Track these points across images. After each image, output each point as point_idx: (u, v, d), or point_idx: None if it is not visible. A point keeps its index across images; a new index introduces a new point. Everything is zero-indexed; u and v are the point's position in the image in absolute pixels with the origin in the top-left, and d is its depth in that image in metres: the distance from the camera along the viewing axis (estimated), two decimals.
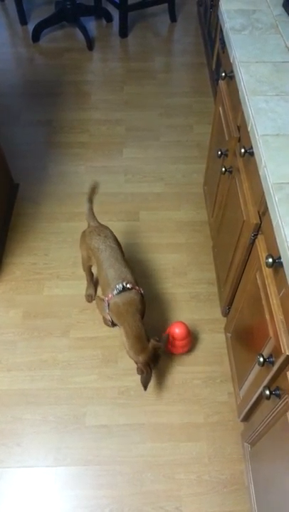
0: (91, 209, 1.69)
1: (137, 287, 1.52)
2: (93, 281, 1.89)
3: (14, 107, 2.73)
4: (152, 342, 1.45)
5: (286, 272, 0.86)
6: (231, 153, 1.41)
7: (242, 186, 1.31)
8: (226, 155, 1.49)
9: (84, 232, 1.68)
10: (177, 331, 1.64)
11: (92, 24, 3.35)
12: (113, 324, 1.69)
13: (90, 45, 3.11)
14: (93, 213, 1.69)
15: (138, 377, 1.68)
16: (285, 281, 0.96)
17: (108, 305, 1.51)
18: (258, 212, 1.21)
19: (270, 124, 1.06)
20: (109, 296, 1.50)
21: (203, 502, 1.44)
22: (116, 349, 1.77)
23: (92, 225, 1.66)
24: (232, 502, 1.44)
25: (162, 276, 1.97)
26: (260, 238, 1.17)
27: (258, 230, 1.20)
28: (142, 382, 1.46)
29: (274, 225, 0.92)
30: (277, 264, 0.98)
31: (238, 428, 1.55)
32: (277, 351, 1.01)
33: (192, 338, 1.72)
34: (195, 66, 3.02)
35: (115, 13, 3.27)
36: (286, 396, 0.98)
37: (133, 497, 1.45)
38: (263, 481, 1.23)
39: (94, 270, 1.77)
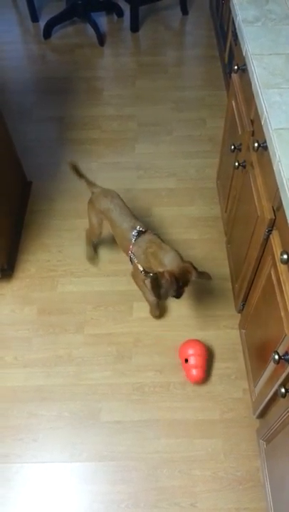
0: (87, 179, 1.76)
1: (149, 230, 1.60)
2: (94, 246, 1.97)
3: (26, 103, 2.74)
4: (188, 264, 1.44)
5: None
6: (245, 147, 1.39)
7: (256, 181, 1.29)
8: (240, 149, 1.47)
9: (90, 199, 1.76)
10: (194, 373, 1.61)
11: (103, 19, 3.33)
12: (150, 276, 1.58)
13: (102, 40, 3.09)
14: (91, 181, 1.76)
15: (152, 373, 1.69)
16: None
17: (133, 253, 1.57)
18: (273, 208, 1.19)
19: (284, 117, 1.04)
20: (131, 247, 1.57)
21: (219, 498, 1.43)
22: (130, 345, 1.77)
23: (95, 191, 1.73)
24: (247, 499, 1.43)
25: None
26: (274, 234, 1.15)
27: (272, 225, 1.18)
28: (161, 293, 1.41)
29: (287, 215, 0.90)
30: None
31: (253, 425, 1.54)
32: None
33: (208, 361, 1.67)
34: (207, 59, 2.98)
35: (126, 8, 3.24)
36: None
37: (148, 493, 1.45)
38: (278, 478, 1.22)
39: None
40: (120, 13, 3.31)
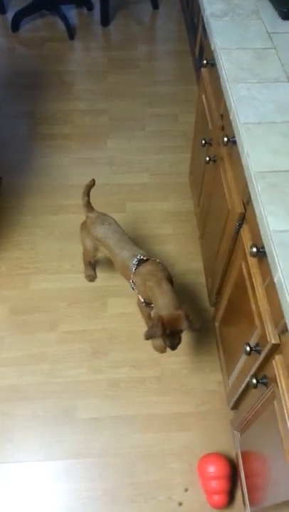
0: (88, 201, 1.67)
1: (153, 258, 1.52)
2: (92, 265, 1.90)
3: None
4: (180, 312, 1.35)
5: (269, 261, 0.86)
6: (215, 142, 1.40)
7: (226, 175, 1.31)
8: (210, 144, 1.48)
9: (84, 224, 1.68)
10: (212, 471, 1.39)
11: (72, 13, 3.28)
12: (148, 306, 1.54)
13: (71, 34, 3.04)
14: (90, 205, 1.67)
15: (127, 369, 1.69)
16: (268, 270, 0.95)
17: (134, 283, 1.51)
18: (243, 202, 1.20)
19: (251, 112, 1.05)
20: (131, 276, 1.50)
21: (196, 491, 1.45)
22: (105, 342, 1.76)
23: (91, 216, 1.65)
24: None
25: None
26: (244, 227, 1.16)
27: (242, 219, 1.19)
28: (146, 332, 1.36)
29: (257, 215, 0.91)
30: (261, 254, 0.98)
31: (228, 416, 1.56)
32: (263, 340, 1.01)
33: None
34: (179, 54, 2.98)
35: (96, 1, 3.20)
36: (273, 385, 0.98)
37: (125, 488, 1.45)
38: (252, 468, 1.24)
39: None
40: (90, 7, 3.26)
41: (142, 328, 1.79)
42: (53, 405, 1.61)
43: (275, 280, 0.83)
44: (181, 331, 1.38)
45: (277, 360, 0.96)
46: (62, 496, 1.45)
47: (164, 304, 1.38)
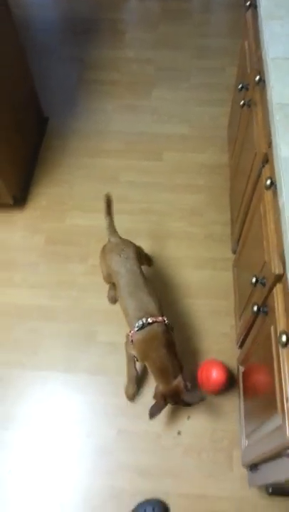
0: (111, 223, 1.55)
1: (160, 318, 1.39)
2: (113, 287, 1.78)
3: (49, 42, 2.75)
4: (178, 382, 1.33)
5: (277, 188, 0.91)
6: (251, 86, 1.41)
7: (257, 118, 1.33)
8: (247, 88, 1.49)
9: (104, 248, 1.56)
10: (214, 375, 1.50)
11: None
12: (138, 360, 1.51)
13: None
14: (114, 227, 1.56)
15: None
16: (278, 205, 1.00)
17: (132, 341, 1.42)
18: (268, 144, 1.23)
19: (282, 47, 1.06)
20: (131, 332, 1.41)
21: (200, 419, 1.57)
22: None
23: (112, 241, 1.53)
24: (223, 424, 1.56)
25: (179, 215, 2.04)
26: (266, 167, 1.20)
27: (266, 160, 1.23)
28: (150, 409, 1.34)
29: (273, 145, 0.96)
30: (274, 188, 1.03)
31: (235, 356, 1.65)
32: (268, 272, 1.08)
33: (229, 379, 1.54)
34: (234, 7, 2.89)
35: None
36: (272, 313, 1.05)
37: (135, 406, 1.60)
38: (250, 402, 1.33)
39: None
40: None
41: (165, 269, 1.89)
42: (76, 327, 1.76)
43: (280, 205, 0.88)
44: (180, 401, 1.36)
45: (278, 287, 1.02)
46: (78, 406, 1.62)
47: (162, 379, 1.34)
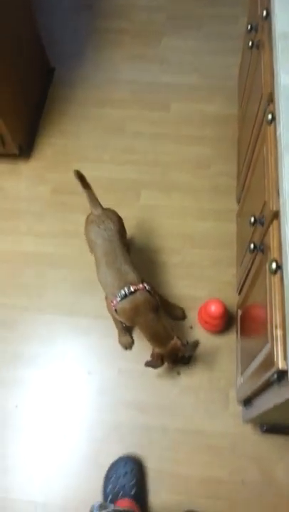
0: (91, 195, 1.50)
1: (141, 285, 1.37)
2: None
3: None
4: (174, 342, 1.36)
5: (276, 116, 0.90)
6: (260, 25, 1.36)
7: (264, 59, 1.29)
8: (256, 30, 1.44)
9: (87, 218, 1.52)
10: (213, 308, 1.56)
11: None
12: (127, 328, 1.61)
13: None
14: (95, 199, 1.51)
15: (151, 254, 1.82)
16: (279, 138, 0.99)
17: (116, 311, 1.41)
18: (273, 82, 1.20)
19: None
20: (114, 302, 1.38)
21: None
22: (133, 229, 1.89)
23: (94, 213, 1.49)
24: (221, 364, 1.61)
25: (185, 166, 2.02)
26: (270, 106, 1.18)
27: (271, 99, 1.20)
28: (146, 362, 1.39)
29: (274, 74, 0.94)
30: (275, 122, 1.01)
31: (235, 304, 1.68)
32: (267, 210, 1.08)
33: (227, 320, 1.62)
34: None
35: None
36: (268, 250, 1.06)
37: (137, 348, 1.66)
38: (246, 344, 1.37)
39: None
40: None
41: (170, 220, 1.90)
42: (80, 274, 1.80)
43: (277, 134, 0.88)
44: (179, 357, 1.41)
45: (274, 224, 1.03)
46: (81, 347, 1.69)
47: (157, 342, 1.37)
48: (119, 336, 1.64)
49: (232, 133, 2.07)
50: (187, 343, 1.39)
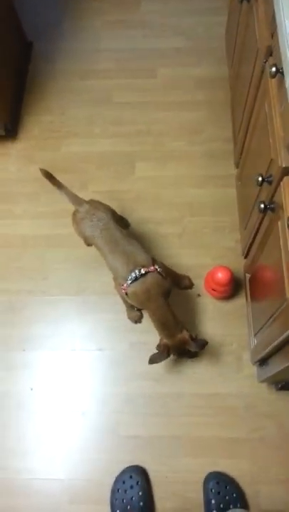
0: (69, 193, 1.48)
1: (152, 267, 1.34)
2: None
3: None
4: (183, 335, 1.35)
5: (284, 70, 0.87)
6: None
7: (257, 12, 1.24)
8: None
9: (74, 217, 1.49)
10: (220, 275, 1.54)
11: None
12: (138, 310, 1.59)
13: None
14: (75, 196, 1.48)
15: (152, 225, 1.80)
16: (285, 94, 0.96)
17: (126, 294, 1.39)
18: (271, 35, 1.16)
19: None
20: (124, 286, 1.35)
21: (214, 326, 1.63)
22: (131, 202, 1.86)
23: (80, 210, 1.46)
24: (232, 327, 1.62)
25: (178, 133, 1.98)
26: (270, 60, 1.14)
27: (269, 54, 1.17)
28: (151, 356, 1.37)
29: (277, 22, 0.90)
30: (280, 75, 0.98)
31: (241, 271, 1.67)
32: (276, 167, 1.06)
33: (234, 285, 1.61)
34: None
35: None
36: (279, 209, 1.05)
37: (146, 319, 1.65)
38: (257, 306, 1.37)
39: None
40: None
41: (167, 190, 1.87)
42: (82, 252, 1.74)
43: (287, 85, 0.85)
44: (186, 351, 1.39)
45: (285, 181, 1.01)
46: (89, 324, 1.68)
47: (165, 331, 1.35)
48: (128, 311, 1.64)
49: (223, 95, 2.02)
50: (196, 337, 1.38)
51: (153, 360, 1.36)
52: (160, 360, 1.37)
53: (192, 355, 1.49)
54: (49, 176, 1.47)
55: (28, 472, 1.50)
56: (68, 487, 1.47)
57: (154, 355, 1.37)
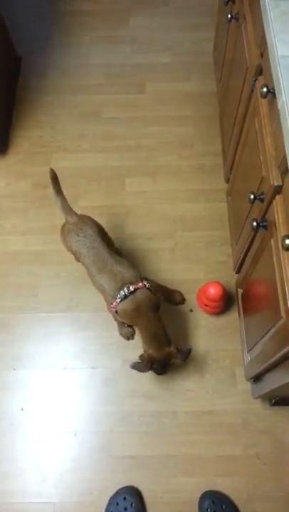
0: (64, 202, 1.45)
1: (140, 284, 1.33)
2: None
3: None
4: (171, 350, 1.34)
5: (275, 87, 0.88)
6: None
7: (246, 31, 1.26)
8: (233, 1, 1.40)
9: (62, 229, 1.48)
10: (212, 291, 1.54)
11: None
12: (130, 326, 1.58)
13: None
14: (68, 206, 1.46)
15: (143, 240, 1.79)
16: (276, 112, 0.96)
17: (116, 312, 1.38)
18: (261, 54, 1.17)
19: None
20: (114, 304, 1.35)
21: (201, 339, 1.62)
22: (122, 216, 1.86)
23: (69, 221, 1.44)
24: (224, 342, 1.61)
25: (167, 148, 1.98)
26: (259, 79, 1.15)
27: (259, 72, 1.18)
28: (135, 364, 1.35)
29: (268, 44, 0.91)
30: (271, 95, 0.99)
31: (233, 284, 1.67)
32: (267, 185, 1.06)
33: (227, 300, 1.60)
34: None
35: None
36: (272, 226, 1.05)
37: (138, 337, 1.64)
38: (250, 322, 1.37)
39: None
40: None
41: (158, 204, 1.87)
42: (73, 268, 1.75)
43: (279, 106, 0.85)
44: (170, 363, 1.40)
45: (277, 199, 1.01)
46: (81, 341, 1.65)
47: (155, 344, 1.33)
48: (119, 328, 1.62)
49: (212, 110, 2.04)
50: (181, 349, 1.36)
51: (136, 368, 1.35)
52: (142, 371, 1.36)
53: (161, 372, 1.48)
54: (54, 178, 1.45)
55: (21, 496, 1.46)
56: (61, 510, 1.43)
57: (136, 363, 1.35)
